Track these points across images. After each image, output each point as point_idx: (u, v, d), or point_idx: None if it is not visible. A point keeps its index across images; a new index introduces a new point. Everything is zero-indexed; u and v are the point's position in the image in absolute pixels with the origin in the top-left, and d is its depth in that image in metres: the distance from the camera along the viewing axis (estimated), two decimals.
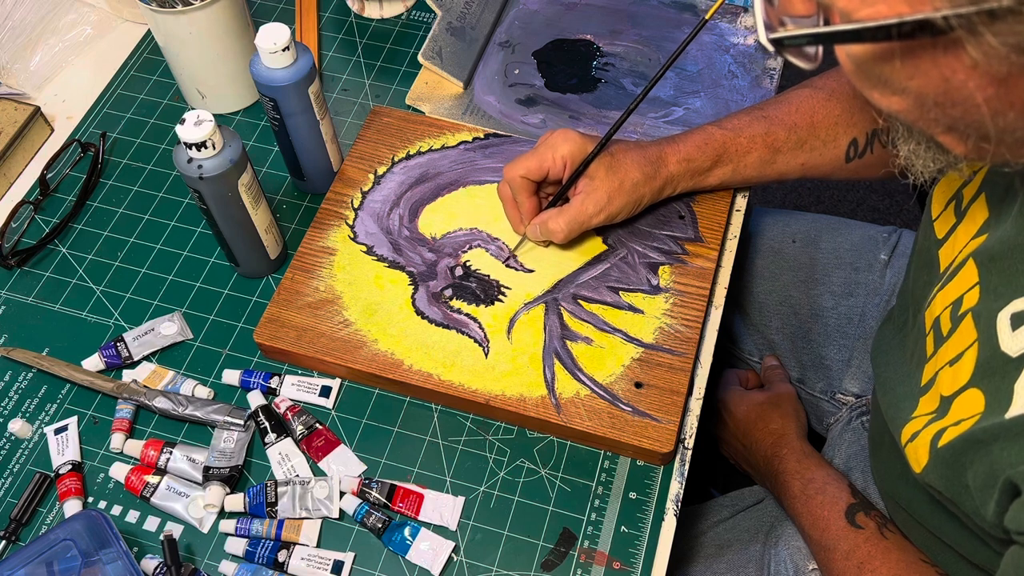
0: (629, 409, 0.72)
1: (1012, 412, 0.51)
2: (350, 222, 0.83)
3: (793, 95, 0.81)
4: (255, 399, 0.76)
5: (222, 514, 0.72)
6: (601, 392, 0.73)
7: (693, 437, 0.74)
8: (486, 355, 0.76)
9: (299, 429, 0.74)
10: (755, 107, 0.81)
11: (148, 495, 0.72)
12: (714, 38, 0.97)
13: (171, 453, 0.73)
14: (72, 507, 0.71)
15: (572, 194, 0.78)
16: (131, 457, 0.74)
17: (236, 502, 0.71)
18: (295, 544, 0.69)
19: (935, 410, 0.60)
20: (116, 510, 0.73)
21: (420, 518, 0.70)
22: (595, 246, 0.82)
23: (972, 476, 0.55)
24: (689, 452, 0.73)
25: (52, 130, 0.95)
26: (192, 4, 0.84)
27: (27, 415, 0.77)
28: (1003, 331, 0.54)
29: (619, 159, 0.76)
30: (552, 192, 0.80)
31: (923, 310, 0.65)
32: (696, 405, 0.75)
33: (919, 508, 0.70)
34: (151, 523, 0.72)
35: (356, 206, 0.84)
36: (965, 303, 0.58)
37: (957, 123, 0.43)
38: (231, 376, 0.77)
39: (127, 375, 0.78)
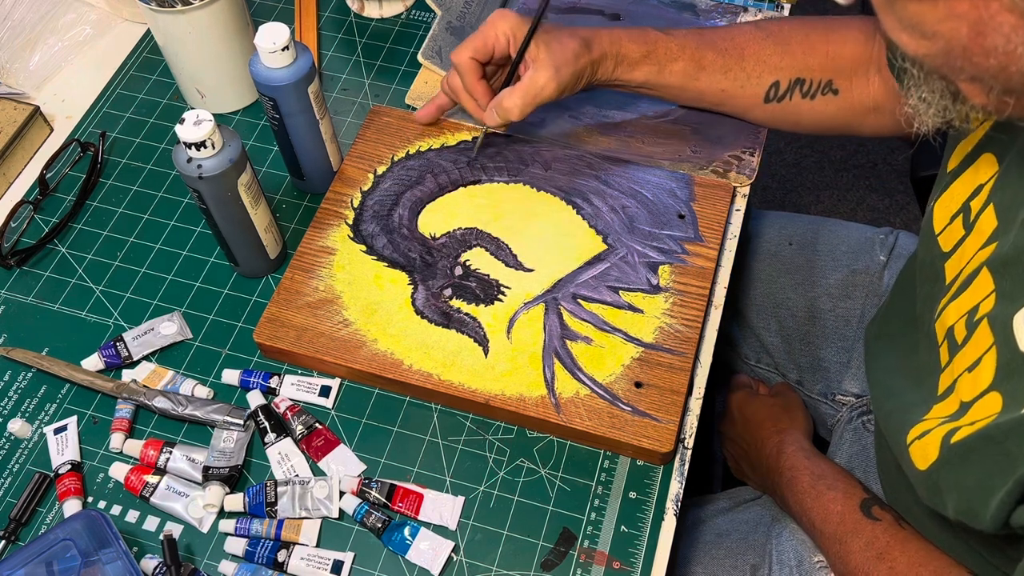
0: (629, 409, 0.73)
1: None
2: (350, 222, 0.83)
3: (735, 27, 0.85)
4: (255, 399, 0.76)
5: (222, 514, 0.72)
6: (601, 392, 0.73)
7: (693, 437, 0.74)
8: (486, 355, 0.76)
9: (299, 429, 0.74)
10: (698, 27, 0.85)
11: (148, 495, 0.72)
12: None
13: (171, 453, 0.73)
14: (72, 507, 0.71)
15: (521, 73, 0.80)
16: (131, 457, 0.74)
17: (236, 502, 0.71)
18: (295, 544, 0.69)
19: (952, 414, 0.60)
20: (116, 510, 0.73)
21: (420, 518, 0.71)
22: (595, 246, 0.82)
23: (983, 473, 0.55)
24: (689, 452, 0.74)
25: (51, 130, 0.95)
26: (192, 4, 0.84)
27: (27, 415, 0.77)
28: (1020, 332, 0.54)
29: (554, 35, 0.79)
30: (501, 79, 0.83)
31: (932, 322, 0.65)
32: (696, 405, 0.75)
33: (919, 518, 0.70)
34: (151, 523, 0.72)
35: (356, 206, 0.84)
36: (981, 310, 0.58)
37: (983, 73, 0.43)
38: (231, 376, 0.77)
39: (127, 375, 0.78)
